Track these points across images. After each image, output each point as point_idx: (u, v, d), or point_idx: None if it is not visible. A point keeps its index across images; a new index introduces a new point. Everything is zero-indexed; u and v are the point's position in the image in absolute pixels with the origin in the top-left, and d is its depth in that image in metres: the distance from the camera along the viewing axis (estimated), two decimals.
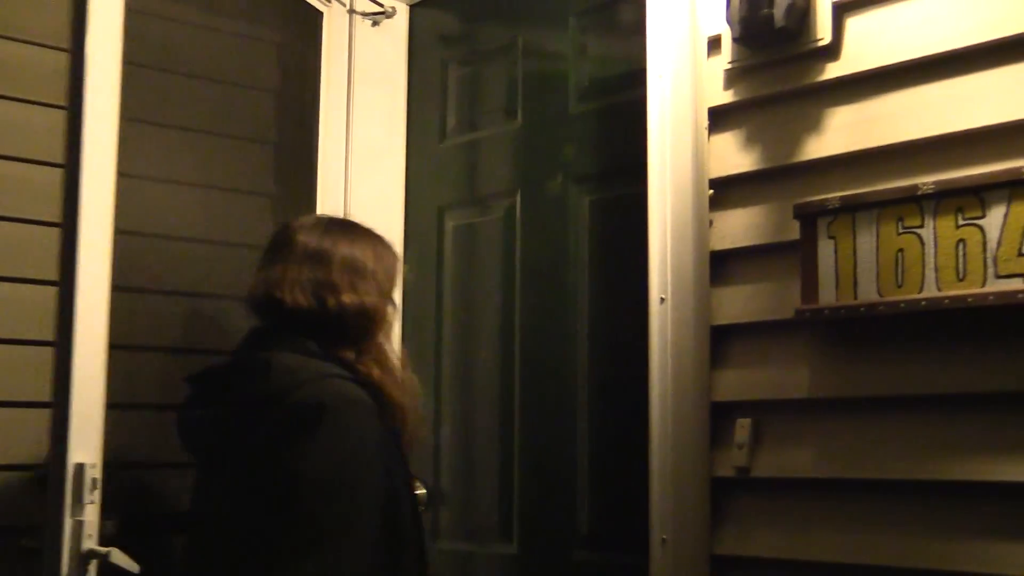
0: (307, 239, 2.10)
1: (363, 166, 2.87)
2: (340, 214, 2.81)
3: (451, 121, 2.93)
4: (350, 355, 2.04)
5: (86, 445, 2.23)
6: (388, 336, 2.13)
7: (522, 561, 2.64)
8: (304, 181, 2.80)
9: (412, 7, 2.99)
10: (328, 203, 2.80)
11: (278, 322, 2.06)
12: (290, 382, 1.94)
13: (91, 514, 2.21)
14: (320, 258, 2.07)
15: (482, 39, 2.92)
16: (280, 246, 2.12)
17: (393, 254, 2.19)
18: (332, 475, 1.89)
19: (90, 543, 2.20)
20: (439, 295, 2.89)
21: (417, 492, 2.44)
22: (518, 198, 2.74)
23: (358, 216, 2.81)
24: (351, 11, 2.86)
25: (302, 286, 2.05)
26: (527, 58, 2.77)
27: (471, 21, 2.96)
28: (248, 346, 2.09)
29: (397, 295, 2.20)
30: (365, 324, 2.06)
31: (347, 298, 2.04)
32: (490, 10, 2.90)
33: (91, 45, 2.32)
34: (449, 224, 2.90)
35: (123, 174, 2.40)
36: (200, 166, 2.60)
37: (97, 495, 2.22)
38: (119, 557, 2.21)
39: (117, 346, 2.33)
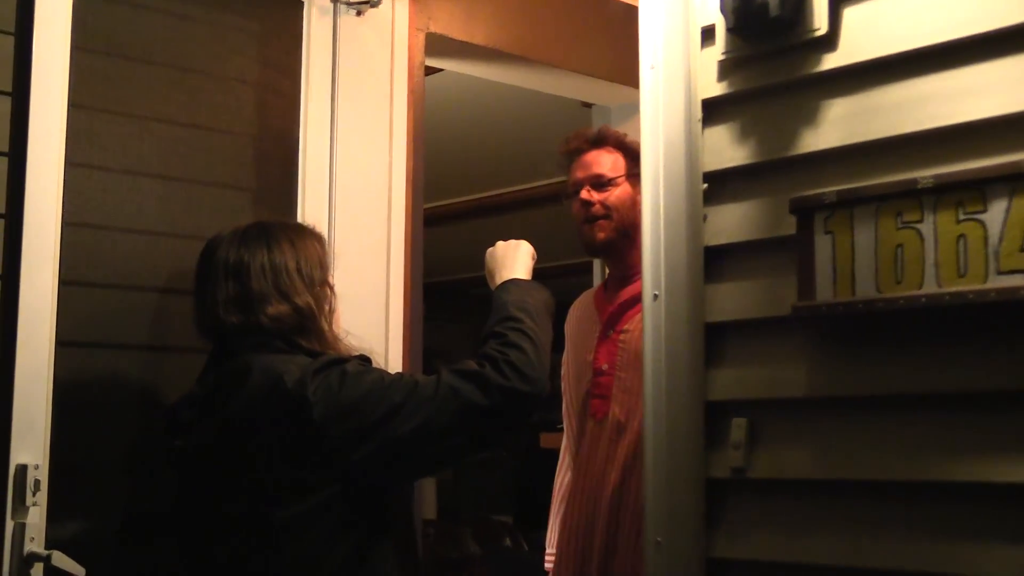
0: (226, 254, 2.15)
1: (349, 156, 2.86)
2: (324, 206, 2.80)
3: None
4: (307, 344, 2.12)
5: (29, 445, 2.22)
6: (332, 318, 2.20)
7: None
8: (285, 174, 2.78)
9: None
10: (312, 194, 2.79)
11: (230, 339, 2.12)
12: (281, 370, 2.02)
13: (34, 516, 2.21)
14: (239, 272, 2.13)
15: None
16: (204, 266, 2.18)
17: (315, 241, 2.23)
18: (356, 400, 2.01)
19: (32, 546, 2.19)
20: None
21: None
22: None
23: (344, 206, 2.82)
24: (335, 0, 2.85)
25: (231, 304, 2.11)
26: None
27: None
28: (215, 364, 2.15)
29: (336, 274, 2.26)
30: (303, 322, 2.12)
31: (274, 309, 2.10)
32: None
33: (38, 28, 2.30)
34: None
35: (76, 164, 2.38)
36: (166, 157, 2.57)
37: (41, 497, 2.21)
38: (61, 560, 2.20)
39: (66, 343, 2.32)
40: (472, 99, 5.26)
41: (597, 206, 2.84)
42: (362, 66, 2.90)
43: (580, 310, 3.07)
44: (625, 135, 2.92)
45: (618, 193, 2.84)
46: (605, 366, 2.84)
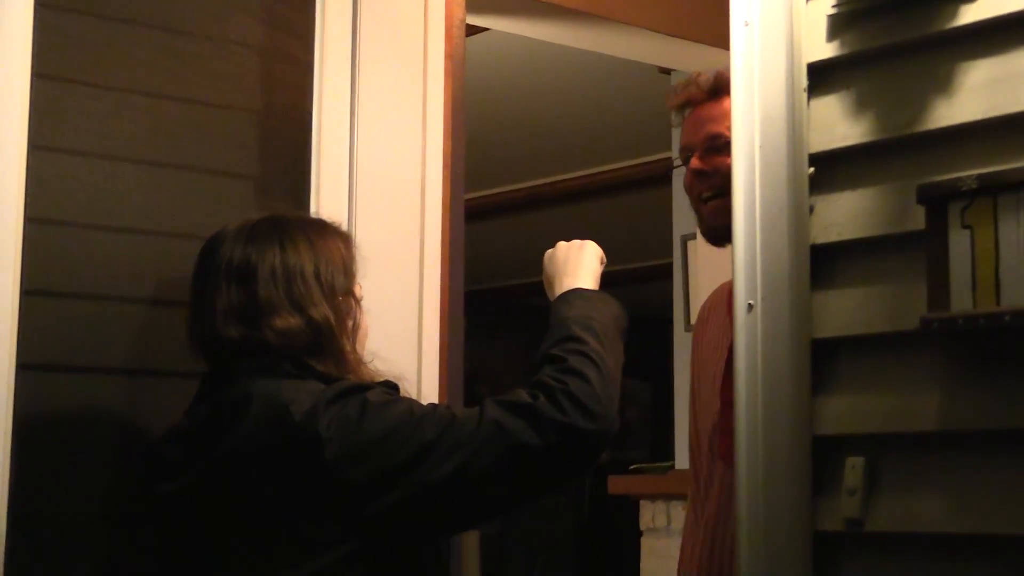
0: (230, 252, 2.16)
1: (374, 137, 2.88)
2: (343, 198, 2.81)
3: None
4: (322, 367, 2.11)
5: None
6: (355, 336, 2.20)
7: None
8: (295, 159, 2.79)
9: None
10: (328, 183, 2.80)
11: (228, 359, 2.13)
12: (287, 399, 2.01)
13: None
14: (245, 275, 2.13)
15: None
16: (203, 266, 2.19)
17: (339, 241, 2.24)
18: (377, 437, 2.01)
19: None
20: None
21: None
22: None
23: (367, 199, 2.84)
24: None
25: (232, 314, 2.12)
26: None
27: None
28: (209, 391, 2.16)
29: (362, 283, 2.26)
30: (317, 340, 2.12)
31: (283, 322, 2.10)
32: None
33: None
34: None
35: (41, 147, 2.41)
36: (151, 139, 2.59)
37: None
38: None
39: (29, 365, 2.34)
40: (524, 65, 5.28)
41: (714, 178, 2.56)
42: (389, 25, 2.92)
43: (709, 312, 2.83)
44: None
45: None
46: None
